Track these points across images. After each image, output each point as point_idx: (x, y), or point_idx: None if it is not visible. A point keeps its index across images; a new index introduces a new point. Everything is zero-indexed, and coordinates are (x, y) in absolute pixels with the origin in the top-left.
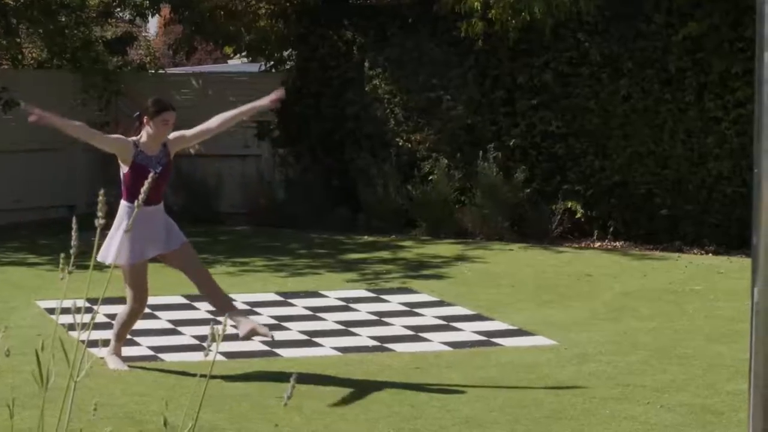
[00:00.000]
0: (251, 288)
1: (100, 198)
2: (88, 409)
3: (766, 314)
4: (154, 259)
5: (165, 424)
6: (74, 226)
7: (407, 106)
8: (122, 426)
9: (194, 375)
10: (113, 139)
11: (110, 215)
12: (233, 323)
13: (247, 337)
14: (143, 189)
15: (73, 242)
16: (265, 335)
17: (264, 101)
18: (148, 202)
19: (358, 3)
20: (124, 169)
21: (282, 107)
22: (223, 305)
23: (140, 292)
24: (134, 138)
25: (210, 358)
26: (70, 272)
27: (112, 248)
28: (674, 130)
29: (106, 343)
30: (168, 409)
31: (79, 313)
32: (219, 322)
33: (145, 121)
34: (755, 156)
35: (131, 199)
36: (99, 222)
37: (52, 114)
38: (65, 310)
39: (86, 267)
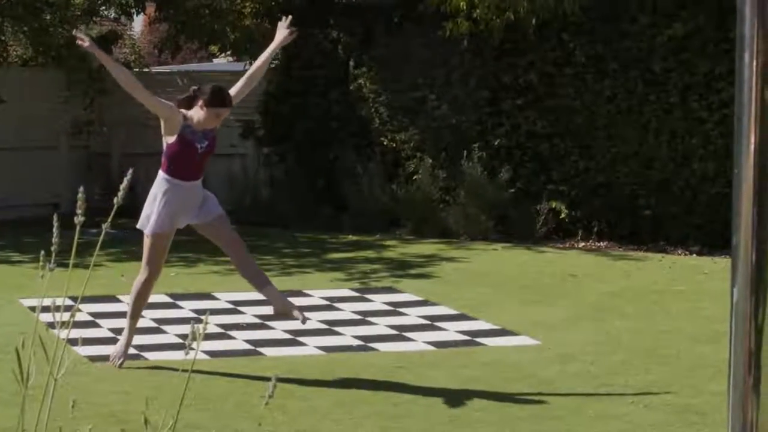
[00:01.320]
0: (235, 287)
1: (80, 195)
2: (69, 407)
3: (744, 314)
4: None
5: (145, 422)
6: (55, 223)
7: (392, 106)
8: (105, 424)
9: (178, 373)
10: (165, 103)
11: (90, 213)
12: (266, 297)
13: (280, 314)
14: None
15: (54, 239)
16: (297, 318)
17: (281, 35)
18: (188, 177)
19: (343, 2)
20: (168, 139)
21: (267, 106)
22: (255, 278)
23: (154, 264)
24: (183, 111)
25: (191, 356)
26: (51, 269)
27: (152, 218)
28: (659, 130)
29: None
30: (151, 408)
31: (58, 311)
32: (200, 321)
33: (199, 103)
34: (735, 156)
35: (171, 172)
36: (78, 219)
37: (102, 52)
38: (47, 308)
39: (67, 265)
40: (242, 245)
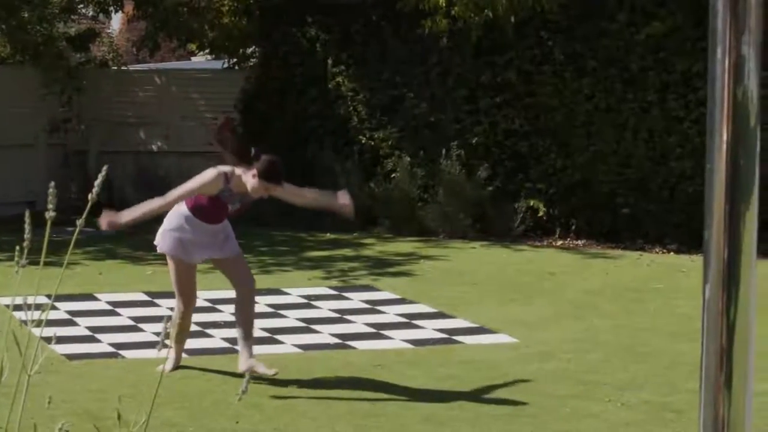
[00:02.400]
0: (214, 285)
1: (51, 191)
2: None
3: (716, 311)
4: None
5: (119, 418)
6: (27, 219)
7: (370, 104)
8: (80, 422)
9: (155, 371)
10: (202, 186)
11: (68, 212)
12: (239, 349)
13: (245, 371)
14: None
15: (26, 236)
16: (264, 374)
17: (336, 202)
18: (212, 221)
19: (321, 0)
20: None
21: (245, 104)
22: (245, 325)
23: (183, 294)
24: (228, 169)
25: (163, 354)
26: (23, 266)
27: (166, 239)
28: (637, 129)
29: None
30: (127, 406)
31: (30, 309)
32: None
33: (253, 168)
34: (708, 152)
35: (195, 213)
36: (49, 215)
37: (131, 215)
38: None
39: (39, 263)
40: (252, 289)
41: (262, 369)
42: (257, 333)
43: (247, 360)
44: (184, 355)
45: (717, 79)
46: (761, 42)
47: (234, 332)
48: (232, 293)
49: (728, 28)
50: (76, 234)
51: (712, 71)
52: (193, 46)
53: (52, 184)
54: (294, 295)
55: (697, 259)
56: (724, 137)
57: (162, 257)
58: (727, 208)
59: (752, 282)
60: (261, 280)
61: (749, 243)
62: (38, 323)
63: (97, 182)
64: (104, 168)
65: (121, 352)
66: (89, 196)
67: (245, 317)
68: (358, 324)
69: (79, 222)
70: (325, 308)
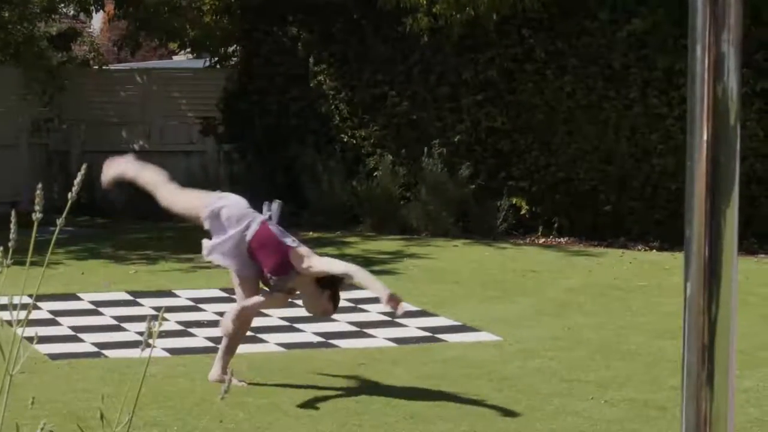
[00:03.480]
0: (196, 284)
1: (38, 192)
2: (28, 405)
3: (698, 309)
4: None
5: (101, 417)
6: (13, 219)
7: (352, 102)
8: (63, 422)
9: (138, 370)
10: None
11: (50, 211)
12: (217, 362)
13: (214, 381)
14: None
15: (12, 236)
16: (234, 386)
17: (382, 294)
18: None
19: None
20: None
21: (227, 104)
22: (231, 340)
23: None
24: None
25: (146, 354)
26: (7, 266)
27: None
28: (618, 126)
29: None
30: (110, 405)
31: (14, 308)
32: (165, 319)
33: (327, 293)
34: (688, 149)
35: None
36: (36, 216)
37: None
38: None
39: (26, 263)
40: (258, 303)
41: (232, 382)
42: None
43: (222, 376)
44: (166, 354)
45: (697, 76)
46: (741, 39)
47: (217, 331)
48: (213, 292)
49: (708, 25)
50: (56, 233)
51: (691, 69)
52: (174, 45)
53: (40, 185)
54: None
55: (679, 257)
56: (705, 134)
57: (146, 255)
58: (708, 205)
59: (733, 279)
60: None
61: (730, 240)
62: (23, 323)
63: (77, 180)
64: (83, 166)
65: (104, 351)
66: (69, 195)
67: (236, 332)
68: (341, 322)
69: (60, 221)
70: None
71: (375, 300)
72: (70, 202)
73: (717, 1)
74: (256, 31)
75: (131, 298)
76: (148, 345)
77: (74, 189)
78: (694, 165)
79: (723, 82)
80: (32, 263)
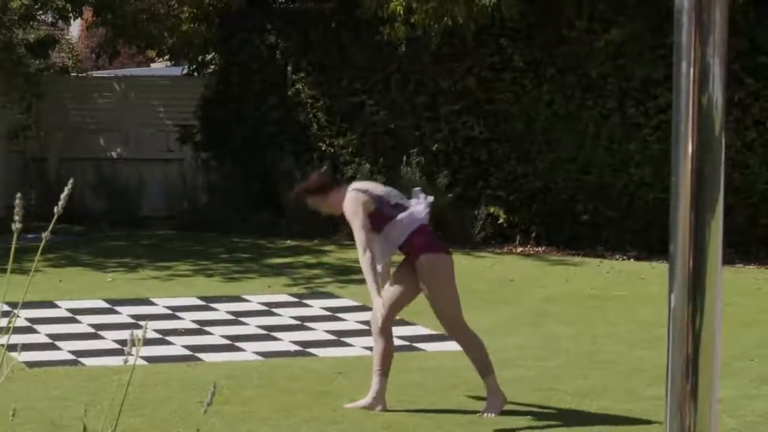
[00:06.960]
0: (173, 292)
1: (17, 202)
2: (8, 414)
3: (682, 320)
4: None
5: (84, 429)
6: None
7: (330, 111)
8: (41, 430)
9: (116, 379)
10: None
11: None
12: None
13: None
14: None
15: None
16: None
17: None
18: None
19: (281, 7)
20: None
21: (204, 111)
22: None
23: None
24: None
25: (125, 362)
26: None
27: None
28: (596, 135)
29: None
30: (89, 414)
31: None
32: (139, 327)
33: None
34: (673, 163)
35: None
36: (15, 227)
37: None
38: None
39: (5, 271)
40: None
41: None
42: (217, 340)
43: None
44: (144, 362)
45: (682, 91)
46: (725, 54)
47: (194, 339)
48: (191, 300)
49: (693, 41)
50: (42, 244)
51: (677, 84)
52: (152, 53)
53: (19, 195)
54: (254, 302)
55: (656, 266)
56: (689, 149)
57: (124, 263)
58: (693, 219)
59: (718, 291)
60: (221, 287)
61: (714, 253)
62: (2, 331)
63: (63, 195)
64: (70, 181)
65: (81, 359)
66: (55, 209)
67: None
68: (319, 331)
69: (45, 234)
70: (285, 315)
71: (352, 309)
72: (55, 217)
73: (702, 15)
74: (234, 39)
75: (108, 306)
76: (131, 355)
77: (60, 203)
78: (678, 179)
79: (708, 92)
80: (5, 270)
